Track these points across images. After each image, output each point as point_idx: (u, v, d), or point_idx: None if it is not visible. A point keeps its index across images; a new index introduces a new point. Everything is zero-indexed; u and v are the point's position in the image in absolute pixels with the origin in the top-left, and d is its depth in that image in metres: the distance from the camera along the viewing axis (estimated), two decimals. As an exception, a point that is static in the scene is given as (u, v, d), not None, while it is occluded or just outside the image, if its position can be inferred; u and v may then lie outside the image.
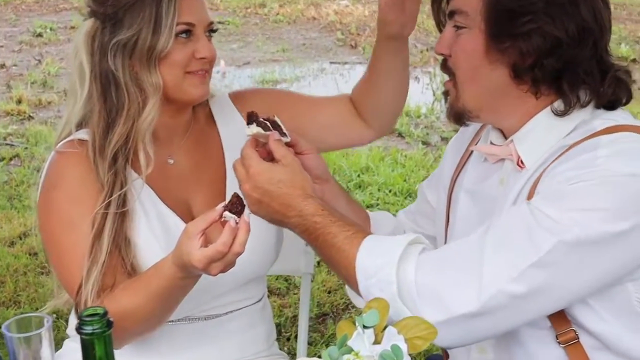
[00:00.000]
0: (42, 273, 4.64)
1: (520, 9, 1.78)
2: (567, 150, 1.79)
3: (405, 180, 5.79)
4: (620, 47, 9.56)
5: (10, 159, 6.32)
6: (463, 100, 1.89)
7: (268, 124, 1.94)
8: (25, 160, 6.28)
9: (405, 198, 5.51)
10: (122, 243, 2.02)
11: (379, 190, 5.67)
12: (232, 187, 2.11)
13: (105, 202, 2.00)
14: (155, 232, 2.08)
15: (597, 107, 1.85)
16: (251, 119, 1.94)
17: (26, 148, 6.50)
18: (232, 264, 1.83)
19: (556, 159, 1.79)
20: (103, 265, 1.97)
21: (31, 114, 7.42)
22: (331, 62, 9.42)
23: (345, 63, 9.39)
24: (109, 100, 2.04)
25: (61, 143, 2.11)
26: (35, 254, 4.82)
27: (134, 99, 2.03)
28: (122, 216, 2.03)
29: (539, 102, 1.85)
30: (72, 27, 10.59)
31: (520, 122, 1.87)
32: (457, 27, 1.87)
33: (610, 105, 1.86)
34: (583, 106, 1.83)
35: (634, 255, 1.71)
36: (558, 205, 1.68)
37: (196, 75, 2.08)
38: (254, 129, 1.92)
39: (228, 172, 2.19)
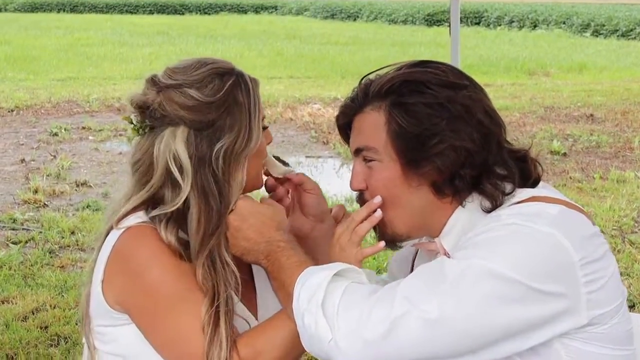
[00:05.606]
0: (52, 345, 4.38)
1: (426, 132, 1.61)
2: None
3: (374, 259, 5.59)
4: (552, 143, 9.56)
5: (26, 242, 6.10)
6: (392, 227, 1.69)
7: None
8: (40, 243, 6.06)
9: (377, 273, 5.30)
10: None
11: (351, 267, 5.47)
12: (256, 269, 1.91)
13: (215, 306, 1.68)
14: None
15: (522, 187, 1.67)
16: None
17: (40, 232, 6.30)
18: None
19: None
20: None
21: (46, 202, 7.22)
22: (307, 156, 9.32)
23: (319, 157, 9.31)
24: (210, 209, 1.73)
25: (131, 223, 1.75)
26: (46, 327, 4.59)
27: (227, 202, 1.75)
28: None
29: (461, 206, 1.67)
30: (84, 128, 10.54)
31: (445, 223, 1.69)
32: (367, 161, 1.69)
33: (534, 183, 1.68)
34: (508, 194, 1.64)
35: (536, 314, 1.49)
36: (466, 251, 1.51)
37: (260, 174, 1.87)
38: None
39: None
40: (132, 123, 1.81)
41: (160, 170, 1.75)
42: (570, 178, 8.10)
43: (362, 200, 1.72)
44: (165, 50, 20.49)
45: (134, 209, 1.77)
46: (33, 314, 4.78)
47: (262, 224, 1.71)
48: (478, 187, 1.63)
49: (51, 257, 5.77)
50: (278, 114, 11.71)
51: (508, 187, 1.64)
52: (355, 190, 1.73)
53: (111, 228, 1.78)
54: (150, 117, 1.77)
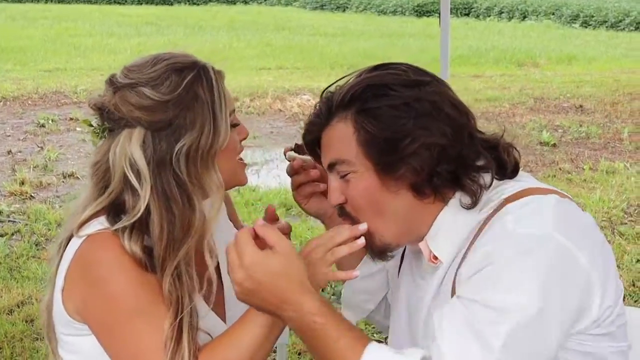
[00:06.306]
0: (37, 339, 4.34)
1: (396, 134, 1.56)
2: (483, 225, 1.57)
3: (363, 250, 5.56)
4: (542, 134, 9.53)
5: (12, 234, 6.05)
6: (378, 236, 1.63)
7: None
8: (26, 236, 6.00)
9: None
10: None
11: (340, 259, 5.43)
12: (223, 265, 1.84)
13: (178, 319, 1.60)
14: None
15: (501, 179, 1.63)
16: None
17: (26, 224, 6.24)
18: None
19: (476, 234, 1.57)
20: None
21: (32, 194, 7.16)
22: (296, 148, 9.24)
23: (308, 148, 9.22)
24: (172, 215, 1.63)
25: (93, 231, 1.65)
26: (32, 321, 4.55)
27: (201, 207, 1.65)
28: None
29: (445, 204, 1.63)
30: (71, 119, 10.44)
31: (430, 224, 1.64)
32: (342, 174, 1.63)
33: (514, 171, 1.64)
34: (487, 188, 1.60)
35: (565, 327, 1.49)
36: (487, 294, 1.45)
37: (243, 165, 1.79)
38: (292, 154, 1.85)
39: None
40: (91, 126, 1.73)
41: (118, 175, 1.66)
42: (560, 169, 8.09)
43: (343, 213, 1.67)
44: (154, 41, 20.34)
45: (94, 215, 1.68)
46: (18, 307, 4.75)
47: (283, 289, 1.50)
48: (458, 183, 1.59)
49: (37, 249, 5.72)
50: (267, 105, 11.65)
51: (487, 178, 1.60)
52: (335, 206, 1.68)
53: (72, 235, 1.68)
54: (108, 119, 1.69)
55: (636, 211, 6.69)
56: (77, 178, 7.72)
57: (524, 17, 30.46)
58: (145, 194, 1.63)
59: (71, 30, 22.80)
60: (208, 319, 1.71)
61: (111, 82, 1.70)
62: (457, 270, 1.58)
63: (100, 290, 1.61)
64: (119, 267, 1.61)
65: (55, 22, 25.32)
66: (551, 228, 1.49)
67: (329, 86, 1.70)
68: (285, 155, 1.87)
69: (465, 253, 1.58)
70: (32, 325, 4.47)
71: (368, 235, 1.63)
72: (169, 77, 1.66)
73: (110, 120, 1.69)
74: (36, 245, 5.81)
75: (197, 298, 1.70)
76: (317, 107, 1.68)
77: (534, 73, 15.68)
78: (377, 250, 1.66)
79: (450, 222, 1.62)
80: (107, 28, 23.85)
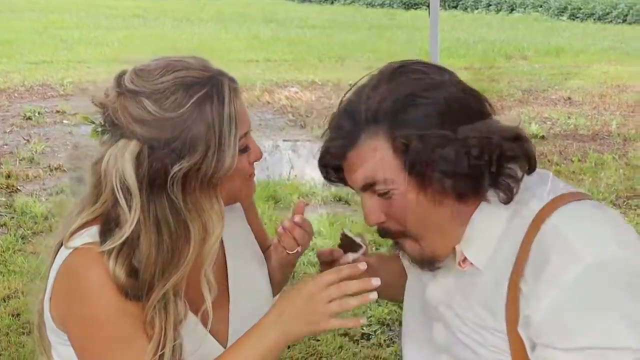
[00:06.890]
0: (23, 333, 4.30)
1: (434, 143, 1.47)
2: (524, 246, 1.50)
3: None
4: (530, 126, 9.52)
5: (-2, 228, 6.00)
6: (431, 251, 1.57)
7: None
8: (12, 229, 5.95)
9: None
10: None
11: (330, 252, 5.40)
12: (233, 276, 1.77)
13: (159, 354, 1.49)
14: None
15: (525, 172, 1.56)
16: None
17: (13, 218, 6.18)
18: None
19: (520, 260, 1.49)
20: None
21: (19, 187, 7.09)
22: (284, 140, 9.23)
23: (297, 140, 9.21)
24: (162, 242, 1.50)
25: (80, 243, 1.54)
26: (18, 315, 4.50)
27: (196, 236, 1.52)
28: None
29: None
30: (58, 112, 10.36)
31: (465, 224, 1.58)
32: (382, 193, 1.54)
33: (535, 164, 1.58)
34: (521, 180, 1.54)
35: None
36: (602, 338, 1.41)
37: (251, 176, 1.65)
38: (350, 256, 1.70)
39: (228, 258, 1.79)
40: (92, 123, 1.62)
41: (109, 187, 1.52)
42: (549, 161, 8.08)
43: (385, 231, 1.59)
44: (141, 34, 20.24)
45: (87, 224, 1.57)
46: (5, 301, 4.71)
47: None
48: (495, 178, 1.52)
49: (24, 243, 5.67)
50: (255, 97, 11.59)
51: (518, 170, 1.54)
52: (374, 225, 1.59)
53: (62, 244, 1.58)
54: (108, 122, 1.57)
55: (625, 203, 6.70)
56: (64, 171, 7.64)
57: (511, 9, 30.46)
58: (133, 214, 1.49)
59: (58, 23, 22.65)
60: (204, 345, 1.62)
61: (118, 82, 1.57)
62: (508, 282, 1.51)
63: (80, 310, 1.51)
64: (101, 290, 1.50)
65: (42, 15, 25.14)
66: (615, 245, 1.46)
67: (341, 100, 1.57)
68: (350, 259, 1.70)
69: (516, 269, 1.50)
70: (18, 319, 4.43)
71: (419, 248, 1.58)
72: (175, 92, 1.51)
73: (110, 124, 1.57)
74: (22, 238, 5.75)
75: (194, 321, 1.61)
76: (337, 124, 1.56)
77: (522, 65, 15.66)
78: (427, 261, 1.60)
79: (484, 226, 1.56)
80: (94, 20, 23.70)
